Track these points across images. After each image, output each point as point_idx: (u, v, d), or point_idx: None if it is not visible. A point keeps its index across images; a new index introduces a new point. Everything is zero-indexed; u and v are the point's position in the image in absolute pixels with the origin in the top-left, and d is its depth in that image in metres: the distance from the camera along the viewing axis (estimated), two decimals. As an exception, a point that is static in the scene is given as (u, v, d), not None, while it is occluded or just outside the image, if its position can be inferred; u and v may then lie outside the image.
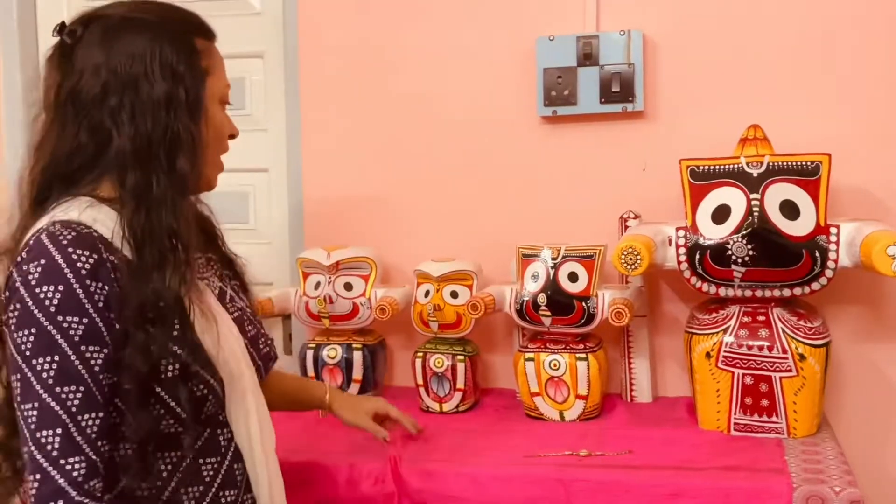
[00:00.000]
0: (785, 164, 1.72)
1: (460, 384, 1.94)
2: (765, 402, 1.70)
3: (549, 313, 1.84)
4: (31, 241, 1.13)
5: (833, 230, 1.68)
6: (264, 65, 2.33)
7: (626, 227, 1.97)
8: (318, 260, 2.03)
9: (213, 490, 1.25)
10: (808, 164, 1.71)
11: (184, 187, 1.20)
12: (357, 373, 2.02)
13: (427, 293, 1.96)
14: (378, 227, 2.21)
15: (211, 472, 1.25)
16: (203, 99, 1.23)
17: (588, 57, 2.02)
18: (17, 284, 1.11)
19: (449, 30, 2.15)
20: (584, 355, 1.84)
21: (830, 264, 1.67)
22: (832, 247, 1.67)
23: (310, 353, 2.04)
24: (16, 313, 1.11)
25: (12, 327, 1.11)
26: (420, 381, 1.97)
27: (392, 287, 2.07)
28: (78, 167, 1.20)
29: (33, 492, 1.09)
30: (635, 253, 1.69)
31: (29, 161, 1.23)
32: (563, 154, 2.10)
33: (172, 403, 1.17)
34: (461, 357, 1.94)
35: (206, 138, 1.25)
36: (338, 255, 2.03)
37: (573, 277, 1.85)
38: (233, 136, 1.32)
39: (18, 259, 1.13)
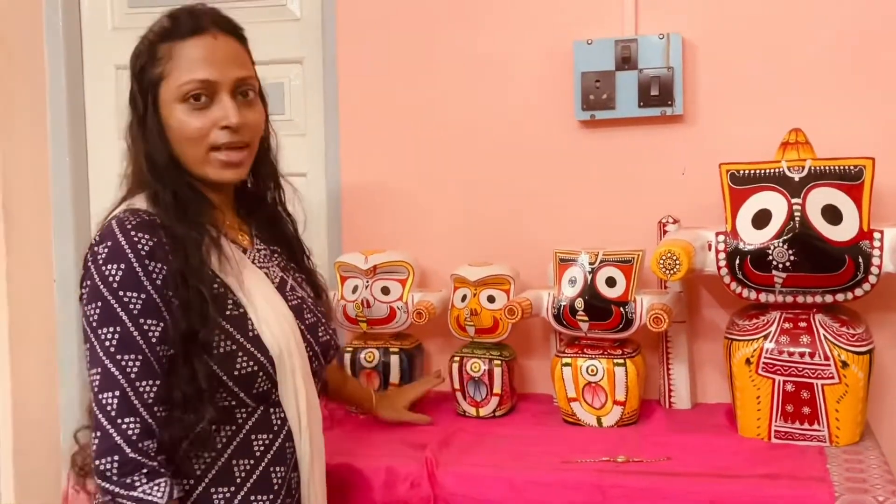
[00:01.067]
0: (827, 168, 1.69)
1: (497, 389, 1.93)
2: (806, 410, 1.68)
3: (586, 318, 1.83)
4: (103, 227, 1.30)
5: (877, 235, 1.65)
6: (303, 70, 2.35)
7: (665, 231, 1.95)
8: (356, 264, 2.04)
9: (263, 465, 1.36)
10: (851, 168, 1.68)
11: (173, 187, 1.34)
12: (394, 377, 2.03)
13: (464, 297, 1.97)
14: (415, 231, 2.21)
15: (262, 448, 1.36)
16: (157, 107, 1.35)
17: (626, 60, 2.01)
18: (89, 263, 1.28)
19: (486, 34, 2.15)
20: (622, 361, 1.83)
21: (874, 270, 1.65)
22: (875, 252, 1.65)
23: (347, 357, 2.04)
24: (86, 289, 1.27)
25: (84, 301, 1.28)
26: (457, 386, 1.97)
27: (429, 291, 2.07)
28: (142, 168, 1.37)
29: (94, 447, 1.25)
30: (674, 258, 1.67)
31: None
32: (601, 158, 2.09)
33: (225, 377, 1.30)
34: (498, 362, 1.94)
35: (171, 142, 1.36)
36: (375, 259, 2.04)
37: (611, 282, 1.84)
38: (227, 127, 1.36)
39: (92, 241, 1.30)
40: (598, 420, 1.85)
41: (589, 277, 1.85)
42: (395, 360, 2.03)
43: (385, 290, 2.03)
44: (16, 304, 2.44)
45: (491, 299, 1.95)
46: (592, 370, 1.84)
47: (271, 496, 1.36)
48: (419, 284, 2.09)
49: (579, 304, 1.83)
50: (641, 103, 2.01)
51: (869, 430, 1.77)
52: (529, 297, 1.88)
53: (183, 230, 1.31)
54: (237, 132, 1.36)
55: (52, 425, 2.54)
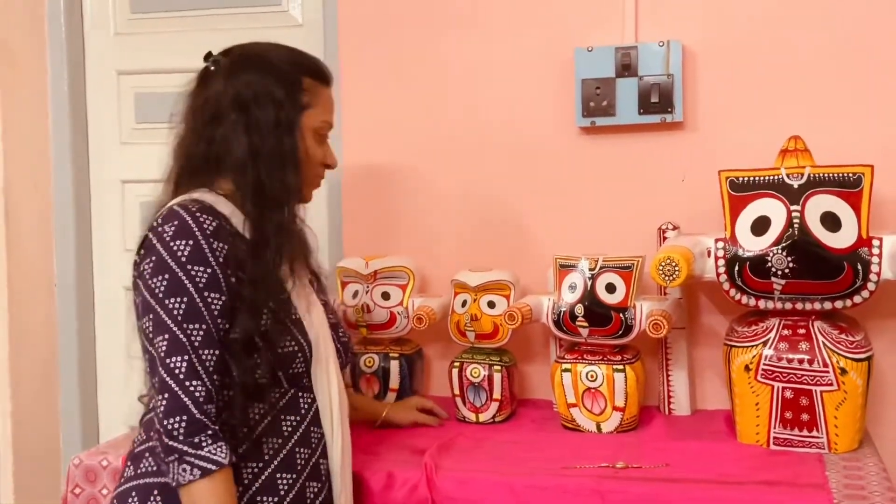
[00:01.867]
0: (826, 175, 1.70)
1: (497, 394, 1.94)
2: (805, 417, 1.68)
3: (586, 324, 1.84)
4: (165, 211, 1.39)
5: (875, 242, 1.66)
6: (305, 76, 2.35)
7: (665, 238, 1.96)
8: (357, 269, 2.05)
9: (290, 446, 1.44)
10: (850, 175, 1.69)
11: (287, 191, 1.46)
12: (394, 382, 2.03)
13: (464, 303, 1.97)
14: (416, 237, 2.22)
15: (290, 429, 1.45)
16: (297, 125, 1.49)
17: (627, 68, 2.02)
18: (154, 241, 1.36)
19: (487, 41, 2.16)
20: (621, 367, 1.83)
21: (873, 277, 1.65)
22: (874, 259, 1.65)
23: (347, 362, 2.05)
24: (151, 264, 1.35)
25: (147, 276, 1.35)
26: (457, 391, 1.97)
27: (429, 296, 2.08)
28: (203, 167, 1.46)
29: (161, 408, 1.30)
30: (673, 264, 1.68)
31: (169, 161, 1.51)
32: (601, 165, 2.10)
33: (268, 353, 1.39)
34: (498, 367, 1.94)
35: (301, 157, 1.49)
36: (376, 265, 2.05)
37: (611, 288, 1.84)
38: (329, 167, 1.59)
39: (154, 224, 1.38)
40: (598, 426, 1.86)
41: (589, 283, 1.85)
42: (394, 366, 2.03)
43: (385, 296, 2.04)
44: (16, 308, 2.44)
45: (491, 305, 1.95)
46: (592, 376, 1.84)
47: (294, 475, 1.43)
48: (419, 290, 2.09)
49: (579, 309, 1.84)
50: (641, 110, 2.02)
51: (868, 437, 1.77)
52: (529, 303, 1.89)
53: (275, 227, 1.44)
54: (331, 169, 1.61)
55: (52, 429, 2.54)
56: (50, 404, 2.53)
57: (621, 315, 1.82)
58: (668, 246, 1.76)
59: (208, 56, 1.53)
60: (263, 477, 1.40)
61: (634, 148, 2.07)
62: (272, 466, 1.41)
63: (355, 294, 2.05)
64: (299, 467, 1.44)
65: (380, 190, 2.25)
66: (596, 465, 1.63)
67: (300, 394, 1.47)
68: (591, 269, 1.86)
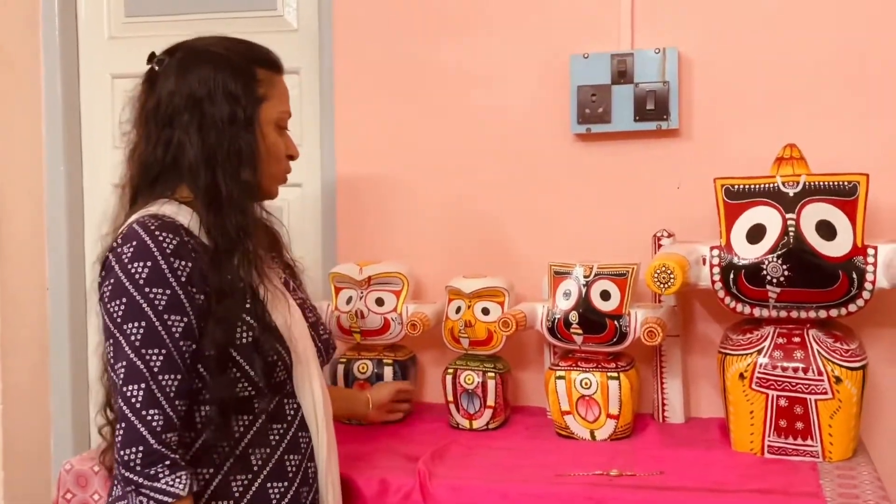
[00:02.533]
0: (822, 183, 1.70)
1: (490, 401, 1.93)
2: (799, 425, 1.68)
3: (580, 331, 1.83)
4: (125, 230, 1.34)
5: (871, 251, 1.66)
6: (300, 81, 2.35)
7: (660, 245, 1.95)
8: (350, 275, 2.04)
9: (279, 453, 1.42)
10: (846, 183, 1.69)
11: (247, 191, 1.41)
12: (387, 388, 2.02)
13: (458, 309, 1.96)
14: (410, 243, 2.21)
15: (277, 437, 1.42)
16: (256, 120, 1.43)
17: (623, 74, 2.02)
18: (113, 263, 1.31)
19: (483, 47, 2.16)
20: (615, 374, 1.83)
21: (867, 286, 1.65)
22: (869, 268, 1.65)
23: (340, 368, 2.04)
24: (110, 287, 1.31)
25: (106, 299, 1.31)
26: (450, 398, 1.96)
27: (423, 303, 2.07)
28: (159, 174, 1.41)
29: (119, 438, 1.28)
30: (668, 272, 1.67)
31: (123, 171, 1.47)
32: (596, 172, 2.09)
33: (247, 367, 1.36)
34: (492, 374, 1.93)
35: (261, 153, 1.44)
36: (370, 271, 2.04)
37: (605, 296, 1.84)
38: (292, 157, 1.54)
39: (114, 244, 1.34)
40: (592, 433, 1.85)
41: (583, 290, 1.85)
42: (388, 372, 2.02)
43: (379, 302, 2.03)
44: (8, 313, 2.43)
45: (485, 311, 1.94)
46: (586, 383, 1.84)
47: (286, 483, 1.42)
48: (413, 296, 2.08)
49: (574, 317, 1.84)
50: (637, 117, 2.02)
51: (862, 445, 1.77)
52: (524, 310, 1.88)
53: (235, 230, 1.38)
54: (294, 161, 1.56)
55: (44, 434, 2.53)
56: (41, 409, 2.52)
57: (616, 322, 1.82)
58: (663, 253, 1.76)
59: (151, 57, 1.47)
60: (254, 488, 1.39)
61: (630, 155, 2.07)
62: (262, 476, 1.40)
63: (349, 300, 2.04)
64: (290, 474, 1.42)
65: (374, 195, 2.25)
66: (590, 472, 1.63)
67: (285, 400, 1.44)
68: (585, 277, 1.86)
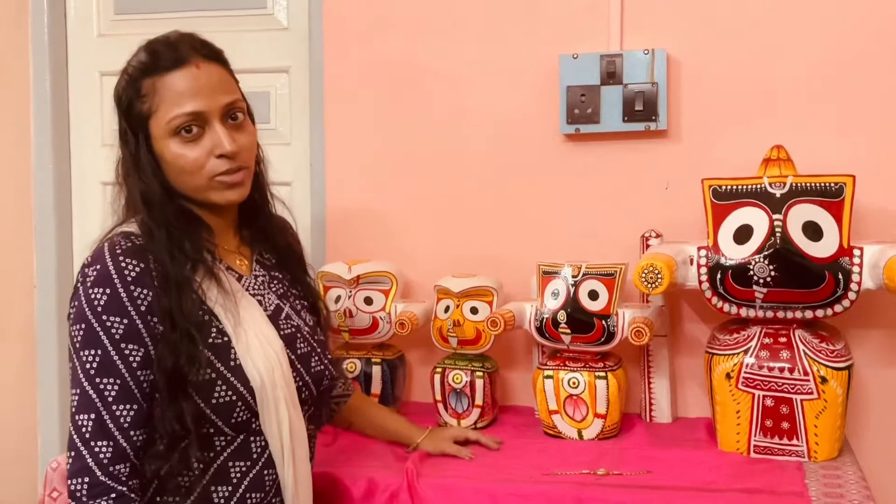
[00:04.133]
0: (808, 185, 1.71)
1: (479, 400, 1.93)
2: (785, 425, 1.69)
3: (568, 331, 1.84)
4: (97, 249, 1.31)
5: (857, 252, 1.67)
6: (289, 80, 2.35)
7: (648, 245, 1.96)
8: (339, 274, 2.04)
9: (241, 492, 1.36)
10: (832, 185, 1.70)
11: (167, 218, 1.33)
12: (376, 387, 2.02)
13: (447, 309, 1.97)
14: (399, 242, 2.21)
15: (239, 475, 1.36)
16: (148, 139, 1.35)
17: (612, 75, 2.02)
18: (78, 284, 1.29)
19: (472, 47, 2.16)
20: (603, 374, 1.83)
21: (853, 286, 1.66)
22: (855, 269, 1.66)
23: (329, 367, 2.04)
24: (73, 310, 1.28)
25: (70, 321, 1.29)
26: (438, 397, 1.97)
27: (412, 302, 2.07)
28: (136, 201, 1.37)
29: (67, 467, 1.26)
30: (656, 272, 1.68)
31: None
32: (585, 172, 2.10)
33: (203, 405, 1.30)
34: (480, 373, 1.94)
35: (168, 175, 1.36)
36: (358, 270, 2.04)
37: (593, 295, 1.84)
38: (223, 156, 1.35)
39: (85, 262, 1.31)
40: (579, 433, 1.86)
41: (571, 290, 1.86)
42: (376, 371, 2.02)
43: (368, 301, 2.03)
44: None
45: (474, 311, 1.95)
46: (574, 383, 1.84)
47: None
48: (402, 295, 2.08)
49: (562, 316, 1.84)
50: (626, 118, 2.02)
51: (847, 445, 1.78)
52: (512, 309, 1.89)
53: (173, 264, 1.30)
54: (233, 158, 1.36)
55: (31, 431, 2.52)
56: (28, 407, 2.51)
57: (604, 322, 1.82)
58: (651, 254, 1.77)
59: None
60: None
61: (618, 155, 2.07)
62: None
63: (338, 299, 2.04)
64: None
65: (363, 194, 2.25)
66: (577, 471, 1.63)
67: (251, 438, 1.36)
68: (573, 276, 1.87)
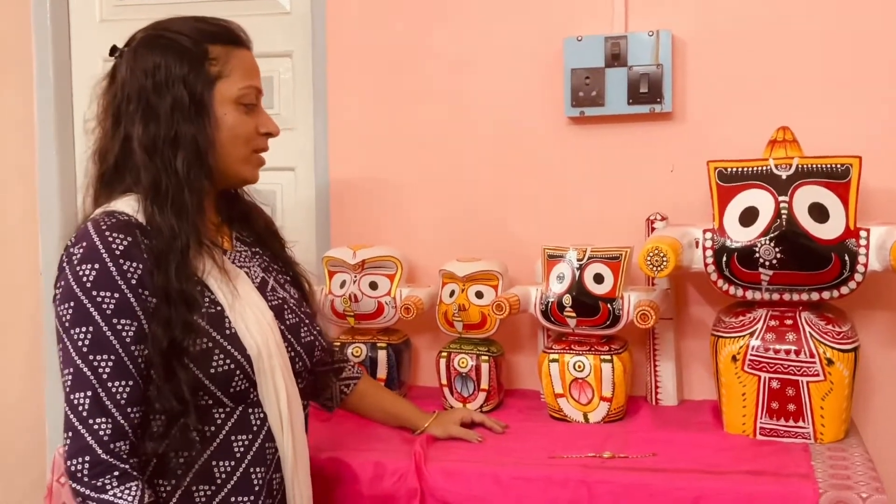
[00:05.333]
0: (814, 166, 1.70)
1: (484, 384, 1.94)
2: (791, 407, 1.69)
3: (574, 314, 1.84)
4: (80, 228, 1.30)
5: (863, 233, 1.66)
6: (293, 64, 2.35)
7: (653, 228, 1.96)
8: (344, 259, 2.04)
9: (244, 466, 1.35)
10: (839, 166, 1.69)
11: (191, 184, 1.33)
12: (381, 372, 2.03)
13: (452, 293, 1.97)
14: (404, 226, 2.21)
15: (242, 449, 1.35)
16: (208, 103, 1.36)
17: (616, 57, 2.01)
18: (64, 264, 1.28)
19: (476, 30, 2.15)
20: (608, 357, 1.83)
21: (860, 268, 1.65)
22: (862, 250, 1.65)
23: (335, 352, 2.04)
24: (60, 289, 1.27)
25: (57, 301, 1.27)
26: (444, 381, 1.97)
27: (417, 286, 2.07)
28: (116, 169, 1.36)
29: (66, 448, 1.24)
30: (661, 254, 1.68)
31: (89, 166, 1.41)
32: (590, 155, 2.09)
33: (201, 376, 1.29)
34: (485, 357, 1.94)
35: (217, 139, 1.37)
36: (363, 254, 2.04)
37: (599, 279, 1.84)
38: (269, 135, 1.46)
39: (68, 243, 1.30)
40: (585, 416, 1.86)
41: (577, 274, 1.85)
42: (382, 356, 2.03)
43: (373, 285, 2.03)
44: (2, 298, 2.43)
45: (479, 295, 1.95)
46: (579, 366, 1.84)
47: (252, 497, 1.35)
48: (407, 280, 2.08)
49: (567, 300, 1.84)
50: (631, 100, 2.01)
51: (853, 427, 1.78)
52: (517, 293, 1.88)
53: (180, 233, 1.30)
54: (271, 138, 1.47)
55: (39, 417, 2.53)
56: (36, 393, 2.52)
57: (609, 305, 1.82)
58: (656, 236, 1.76)
59: (113, 50, 1.42)
60: (217, 501, 1.33)
61: (623, 138, 2.07)
62: (226, 489, 1.33)
63: (343, 284, 2.04)
64: (257, 488, 1.36)
65: (368, 179, 2.24)
66: (583, 454, 1.64)
67: (250, 410, 1.36)
68: (579, 260, 1.86)
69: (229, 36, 1.41)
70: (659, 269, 1.68)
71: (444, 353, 1.97)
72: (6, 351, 2.45)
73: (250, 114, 1.41)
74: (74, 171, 2.54)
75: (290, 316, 1.46)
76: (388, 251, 2.06)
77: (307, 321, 1.51)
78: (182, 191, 1.32)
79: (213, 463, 1.33)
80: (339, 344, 2.05)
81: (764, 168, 1.73)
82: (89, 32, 2.51)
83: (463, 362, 1.94)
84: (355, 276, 2.04)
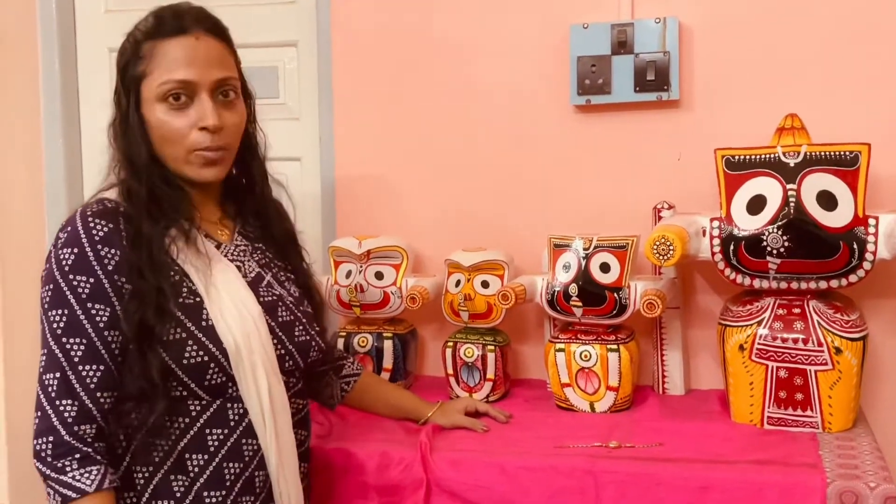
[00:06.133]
0: (823, 153, 1.69)
1: (490, 374, 1.93)
2: (799, 396, 1.68)
3: (580, 304, 1.83)
4: (72, 213, 1.32)
5: (871, 221, 1.65)
6: (298, 54, 2.34)
7: (660, 217, 1.94)
8: (350, 248, 2.04)
9: (217, 461, 1.34)
10: (847, 153, 1.67)
11: (136, 179, 1.35)
12: (387, 362, 2.02)
13: (458, 283, 1.96)
14: (410, 216, 2.21)
15: (216, 444, 1.34)
16: (135, 105, 1.37)
17: (622, 45, 2.00)
18: (51, 247, 1.31)
19: (482, 18, 2.14)
20: (615, 346, 1.83)
21: (868, 256, 1.64)
22: (870, 238, 1.64)
23: (340, 342, 2.04)
24: (44, 273, 1.30)
25: (41, 283, 1.30)
26: (450, 371, 1.96)
27: (423, 276, 2.07)
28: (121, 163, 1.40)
29: (34, 427, 1.27)
30: (667, 243, 1.67)
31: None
32: (596, 143, 2.08)
33: (173, 365, 1.29)
34: (491, 347, 1.93)
35: (151, 140, 1.37)
36: (369, 244, 2.03)
37: (605, 268, 1.83)
38: (205, 129, 1.37)
39: (59, 227, 1.32)
40: (591, 405, 1.85)
41: (583, 263, 1.84)
42: (388, 345, 2.02)
43: (379, 275, 2.03)
44: (9, 288, 2.43)
45: (485, 284, 1.94)
46: (586, 356, 1.83)
47: (223, 492, 1.35)
48: (413, 269, 2.08)
49: (573, 289, 1.83)
50: (637, 88, 2.00)
51: (862, 416, 1.77)
52: (523, 283, 1.88)
53: (146, 221, 1.32)
54: (215, 134, 1.38)
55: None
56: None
57: (615, 295, 1.81)
58: (663, 225, 1.75)
59: None
60: (192, 495, 1.33)
61: (630, 126, 2.05)
62: (199, 482, 1.33)
63: (348, 274, 2.04)
64: (228, 483, 1.35)
65: (373, 169, 2.24)
66: (589, 444, 1.63)
67: (228, 405, 1.35)
68: (585, 249, 1.85)
69: (160, 28, 1.37)
70: (665, 257, 1.67)
71: (450, 343, 1.97)
72: (14, 342, 2.45)
73: (181, 109, 1.36)
74: (81, 163, 2.54)
75: (284, 313, 1.45)
76: (393, 241, 2.05)
77: (304, 320, 1.49)
78: (132, 185, 1.35)
79: (187, 455, 1.33)
80: (343, 334, 2.05)
81: (772, 156, 1.71)
82: (95, 23, 2.50)
83: (469, 352, 1.94)
84: (361, 266, 2.03)
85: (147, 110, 1.37)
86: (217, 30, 1.41)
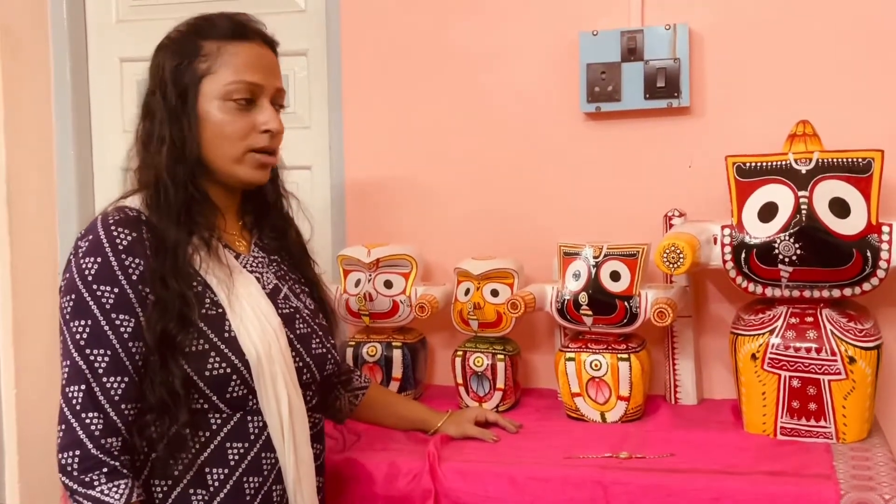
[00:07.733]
0: (835, 160, 1.67)
1: (500, 383, 1.92)
2: (813, 406, 1.66)
3: (590, 312, 1.82)
4: (91, 222, 1.30)
5: (885, 229, 1.63)
6: (308, 62, 2.34)
7: (671, 225, 1.93)
8: (359, 257, 2.03)
9: (237, 475, 1.32)
10: (860, 160, 1.65)
11: (172, 183, 1.32)
12: (397, 371, 2.01)
13: (467, 291, 1.95)
14: (419, 225, 2.20)
15: (236, 457, 1.32)
16: (192, 100, 1.34)
17: (632, 52, 1.99)
18: (71, 256, 1.28)
19: (491, 26, 2.13)
20: (626, 356, 1.81)
21: (882, 264, 1.62)
22: (884, 246, 1.62)
23: (349, 351, 2.03)
24: (64, 282, 1.27)
25: (61, 293, 1.27)
26: (460, 380, 1.95)
27: (432, 285, 2.06)
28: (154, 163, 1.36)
29: (58, 441, 1.24)
30: (678, 251, 1.65)
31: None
32: (606, 151, 2.07)
33: (195, 377, 1.28)
34: (501, 356, 1.92)
35: (203, 137, 1.35)
36: (378, 253, 2.03)
37: (615, 276, 1.82)
38: (267, 131, 1.38)
39: (78, 235, 1.30)
40: (602, 415, 1.84)
41: (593, 271, 1.83)
42: (397, 355, 2.02)
43: (388, 284, 2.02)
44: (22, 297, 2.44)
45: (494, 293, 1.93)
46: (596, 365, 1.82)
47: None
48: (422, 278, 2.07)
49: (583, 298, 1.82)
50: (647, 95, 1.99)
51: (877, 426, 1.75)
52: (533, 291, 1.87)
53: (172, 229, 1.30)
54: (275, 138, 1.40)
55: (56, 418, 2.53)
56: (54, 394, 2.52)
57: (626, 303, 1.80)
58: (673, 233, 1.74)
59: None
60: None
61: (640, 133, 2.04)
62: (219, 497, 1.31)
63: (357, 282, 2.03)
64: (248, 497, 1.33)
65: (383, 177, 2.23)
66: (599, 455, 1.61)
67: (248, 418, 1.33)
68: (595, 257, 1.84)
69: (226, 30, 1.37)
70: (675, 266, 1.66)
71: (460, 352, 1.96)
72: (27, 348, 2.46)
73: (244, 111, 1.37)
74: (92, 171, 2.56)
75: (301, 326, 1.44)
76: (402, 249, 2.04)
77: (320, 333, 1.48)
78: (168, 188, 1.32)
79: (207, 469, 1.31)
80: (353, 344, 2.04)
81: (783, 163, 1.70)
82: (106, 33, 2.52)
83: (479, 361, 1.93)
84: (370, 275, 2.03)
85: (206, 107, 1.35)
86: (273, 43, 1.45)
